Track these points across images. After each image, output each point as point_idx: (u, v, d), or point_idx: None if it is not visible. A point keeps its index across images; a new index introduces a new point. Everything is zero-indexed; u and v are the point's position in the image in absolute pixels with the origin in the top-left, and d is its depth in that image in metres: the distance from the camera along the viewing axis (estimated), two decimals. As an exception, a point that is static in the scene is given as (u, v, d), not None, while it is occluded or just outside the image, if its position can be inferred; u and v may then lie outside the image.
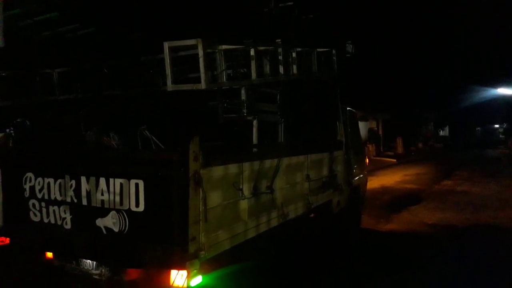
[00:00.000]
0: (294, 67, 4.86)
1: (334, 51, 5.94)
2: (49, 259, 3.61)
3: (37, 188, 3.61)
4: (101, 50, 4.22)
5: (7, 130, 3.98)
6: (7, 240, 3.69)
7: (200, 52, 3.33)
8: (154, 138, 3.45)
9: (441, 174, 16.17)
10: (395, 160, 22.67)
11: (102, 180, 3.28)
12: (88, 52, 4.25)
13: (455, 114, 36.57)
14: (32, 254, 3.67)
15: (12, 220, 3.75)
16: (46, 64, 4.53)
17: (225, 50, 3.77)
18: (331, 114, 6.37)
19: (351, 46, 6.76)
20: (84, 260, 3.46)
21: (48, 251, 3.64)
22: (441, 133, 42.88)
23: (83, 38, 4.02)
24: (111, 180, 3.24)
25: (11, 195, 3.76)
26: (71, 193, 3.42)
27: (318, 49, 5.47)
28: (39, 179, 3.60)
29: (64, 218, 3.47)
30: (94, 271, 3.40)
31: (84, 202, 3.36)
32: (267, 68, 4.43)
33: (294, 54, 4.85)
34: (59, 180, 3.49)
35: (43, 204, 3.58)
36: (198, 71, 3.44)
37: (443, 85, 29.32)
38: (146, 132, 3.51)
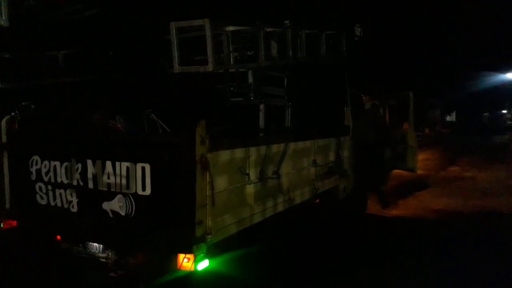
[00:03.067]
0: (303, 50, 4.77)
1: (342, 34, 5.82)
2: (57, 242, 3.63)
3: (44, 171, 3.60)
4: (107, 32, 4.15)
5: (13, 113, 3.95)
6: (14, 223, 3.71)
7: (208, 33, 3.24)
8: (160, 121, 3.41)
9: (448, 160, 16.05)
10: (401, 146, 22.47)
11: (109, 164, 3.26)
12: (93, 34, 4.18)
13: (462, 99, 36.13)
14: (39, 237, 3.69)
15: (19, 203, 3.76)
16: (51, 45, 4.47)
17: (232, 32, 3.69)
18: (338, 99, 6.28)
19: (359, 29, 6.61)
20: (91, 243, 3.47)
21: (55, 234, 3.65)
22: (448, 118, 42.48)
23: (89, 19, 3.94)
24: (118, 163, 3.21)
25: (17, 178, 3.76)
26: (77, 176, 3.41)
27: (327, 32, 5.35)
28: (46, 162, 3.59)
29: (71, 202, 3.47)
30: (100, 254, 3.41)
31: (91, 185, 3.35)
32: (275, 51, 4.34)
33: (302, 37, 4.75)
34: (65, 163, 3.48)
35: (49, 187, 3.57)
36: (205, 53, 3.37)
37: (450, 70, 28.89)
38: (153, 115, 3.47)
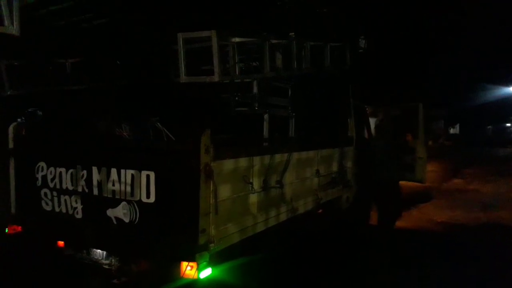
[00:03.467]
0: (307, 61, 4.82)
1: (347, 46, 5.88)
2: (61, 248, 3.65)
3: (49, 177, 3.64)
4: (114, 40, 4.22)
5: (20, 119, 4.00)
6: (19, 228, 3.73)
7: (214, 44, 3.30)
8: (165, 130, 3.45)
9: (451, 172, 15.99)
10: (404, 157, 22.39)
11: (114, 171, 3.30)
12: (101, 42, 4.25)
13: (466, 111, 36.08)
14: (43, 243, 3.71)
15: (24, 208, 3.79)
16: (60, 53, 4.55)
17: (238, 43, 3.74)
18: (342, 110, 6.32)
19: (363, 41, 6.68)
20: (94, 249, 3.48)
21: (60, 240, 3.67)
22: (452, 131, 42.36)
23: (97, 28, 4.02)
24: (123, 171, 3.25)
25: (23, 184, 3.80)
26: (82, 183, 3.45)
27: (331, 44, 5.42)
28: (51, 168, 3.63)
29: (76, 208, 3.50)
30: (104, 261, 3.43)
31: (95, 192, 3.38)
32: (279, 62, 4.39)
33: (307, 48, 4.81)
34: (70, 170, 3.52)
35: (55, 193, 3.61)
36: (211, 63, 3.42)
37: (454, 82, 28.90)
38: (158, 123, 3.51)
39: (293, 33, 4.47)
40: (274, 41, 4.15)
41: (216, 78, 3.35)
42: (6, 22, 2.51)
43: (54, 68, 4.52)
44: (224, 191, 3.35)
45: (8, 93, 4.34)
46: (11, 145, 3.89)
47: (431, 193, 11.23)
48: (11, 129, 3.89)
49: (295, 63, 4.55)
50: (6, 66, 4.35)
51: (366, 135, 7.42)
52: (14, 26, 2.46)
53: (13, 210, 3.86)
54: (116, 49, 4.23)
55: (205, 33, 3.38)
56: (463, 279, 4.89)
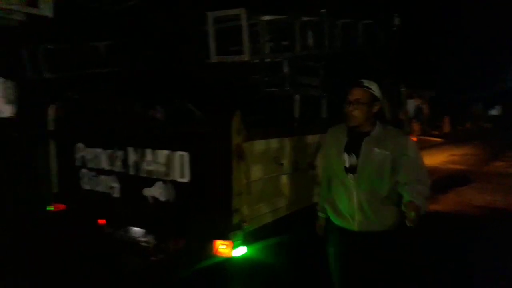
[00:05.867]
0: (339, 39, 4.69)
1: (380, 24, 5.67)
2: (101, 226, 3.80)
3: (88, 158, 3.78)
4: (146, 22, 4.26)
5: (59, 102, 4.16)
6: (62, 207, 3.92)
7: (244, 23, 3.26)
8: (198, 110, 3.48)
9: (491, 155, 15.28)
10: (441, 140, 21.66)
11: (149, 151, 3.38)
12: (133, 24, 4.31)
13: (508, 92, 34.17)
14: (85, 220, 3.88)
15: (66, 187, 3.97)
16: (94, 36, 4.66)
17: (268, 21, 3.68)
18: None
19: (398, 19, 6.41)
20: (132, 227, 3.61)
21: (99, 218, 3.83)
22: (492, 112, 40.33)
23: (128, 10, 4.07)
24: (157, 151, 3.32)
25: (64, 164, 3.97)
26: (119, 163, 3.56)
27: (364, 21, 5.23)
28: (89, 149, 3.77)
29: (113, 187, 3.63)
30: (141, 239, 3.54)
31: (132, 172, 3.48)
32: (310, 41, 4.29)
33: (339, 26, 4.67)
34: (108, 151, 3.63)
35: (93, 173, 3.75)
36: (241, 42, 3.39)
37: (495, 62, 27.36)
38: (190, 104, 3.54)
39: (324, 10, 4.34)
40: (305, 19, 4.06)
41: (246, 57, 3.33)
42: (40, 5, 2.58)
43: (88, 52, 4.64)
44: (256, 172, 3.36)
45: (46, 76, 4.50)
46: (51, 126, 4.06)
47: (470, 176, 10.80)
48: (50, 111, 4.05)
49: (327, 41, 4.43)
50: (44, 50, 4.50)
51: (402, 117, 7.17)
52: (48, 7, 2.51)
53: (56, 189, 4.06)
54: (147, 31, 4.28)
55: (234, 11, 3.34)
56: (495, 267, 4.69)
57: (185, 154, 3.20)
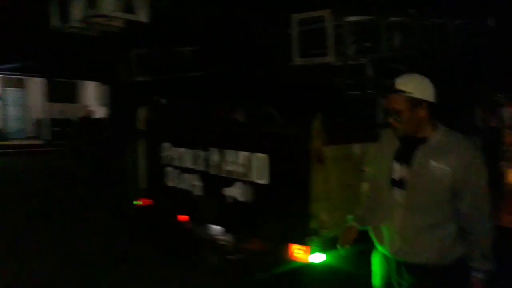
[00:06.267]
0: (428, 40, 4.39)
1: (472, 24, 5.20)
2: (183, 222, 3.98)
3: (173, 156, 4.00)
4: (230, 28, 4.40)
5: (149, 104, 4.46)
6: (150, 202, 4.19)
7: (329, 24, 3.20)
8: (278, 113, 3.49)
9: None
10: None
11: (230, 152, 3.46)
12: (218, 30, 4.47)
13: None
14: (168, 216, 4.10)
15: (154, 184, 4.24)
16: (179, 42, 4.93)
17: (353, 22, 3.58)
18: (468, 95, 5.63)
19: (492, 19, 5.84)
20: (212, 225, 3.72)
21: (182, 214, 4.01)
22: None
23: (216, 16, 4.23)
24: (238, 152, 3.39)
25: (152, 162, 4.25)
26: (201, 162, 3.70)
27: (455, 21, 4.84)
28: (175, 148, 3.98)
29: (195, 185, 3.79)
30: (221, 237, 3.64)
31: (213, 171, 3.60)
32: (397, 41, 4.08)
33: (428, 26, 4.37)
34: (191, 150, 3.81)
35: (178, 171, 3.96)
36: (324, 44, 3.33)
37: None
38: (271, 108, 3.57)
39: (413, 10, 4.10)
40: (392, 19, 3.86)
41: (330, 59, 3.26)
42: (137, 11, 2.76)
43: (176, 56, 4.91)
44: (336, 177, 3.26)
45: (138, 80, 4.85)
46: (141, 126, 4.36)
47: None
48: (143, 112, 4.36)
49: (414, 42, 4.18)
50: (136, 55, 4.87)
51: (495, 125, 6.50)
52: (143, 12, 2.67)
53: (143, 185, 4.36)
54: (230, 37, 4.40)
55: (319, 13, 3.29)
56: None
57: (264, 156, 3.22)
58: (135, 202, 4.33)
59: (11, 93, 16.51)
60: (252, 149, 3.30)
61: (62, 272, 4.03)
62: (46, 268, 4.12)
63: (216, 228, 3.67)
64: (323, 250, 3.03)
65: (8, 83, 16.40)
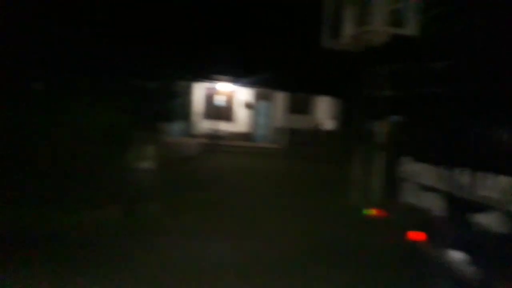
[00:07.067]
0: None
1: None
2: (415, 240, 3.77)
3: (414, 172, 3.85)
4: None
5: (390, 118, 4.45)
6: (384, 213, 4.18)
7: None
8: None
9: None
10: None
11: (486, 175, 3.05)
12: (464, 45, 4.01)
13: None
14: (400, 232, 3.96)
15: (388, 196, 4.21)
16: (426, 57, 4.67)
17: None
18: None
19: None
20: (454, 251, 3.37)
21: (417, 234, 3.80)
22: None
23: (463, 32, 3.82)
24: (499, 177, 2.95)
25: (390, 174, 4.22)
26: (448, 182, 3.41)
27: None
28: (417, 164, 3.82)
29: (437, 205, 3.52)
30: (463, 267, 3.25)
31: (462, 194, 3.25)
32: None
33: None
34: (437, 168, 3.57)
35: (417, 187, 3.78)
36: None
37: None
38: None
39: None
40: None
41: None
42: (405, 24, 2.77)
43: (425, 71, 4.70)
44: None
45: (386, 94, 4.88)
46: (380, 139, 4.40)
47: None
48: (380, 126, 4.40)
49: None
50: (389, 69, 4.91)
51: None
52: (412, 27, 2.66)
53: (375, 196, 4.38)
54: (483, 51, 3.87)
55: None
56: None
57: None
58: (365, 212, 4.40)
59: (261, 104, 19.96)
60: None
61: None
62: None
63: (459, 256, 3.30)
64: None
65: (260, 96, 19.81)
